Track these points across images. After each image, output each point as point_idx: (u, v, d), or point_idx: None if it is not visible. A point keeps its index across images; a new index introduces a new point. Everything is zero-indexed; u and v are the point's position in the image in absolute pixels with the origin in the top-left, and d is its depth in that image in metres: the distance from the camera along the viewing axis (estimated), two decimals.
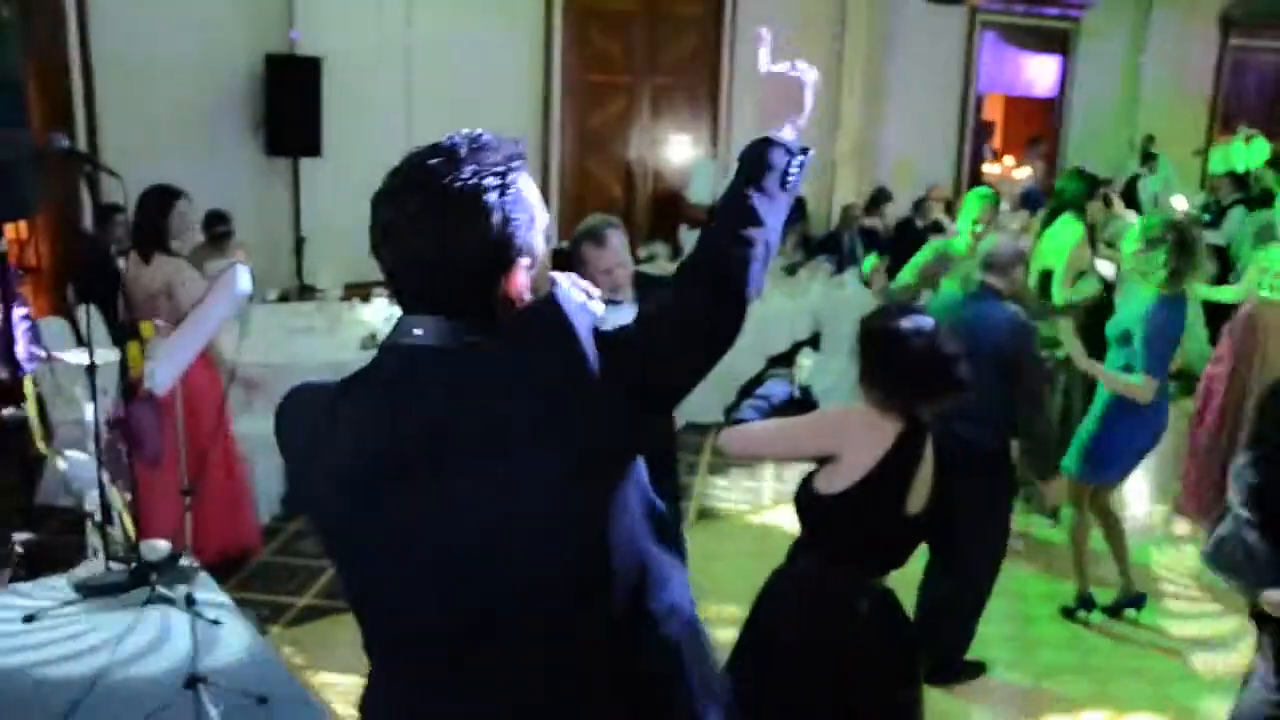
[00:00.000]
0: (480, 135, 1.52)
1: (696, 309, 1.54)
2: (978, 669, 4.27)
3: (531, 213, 1.53)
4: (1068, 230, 5.57)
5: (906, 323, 2.70)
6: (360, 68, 7.67)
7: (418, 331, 1.50)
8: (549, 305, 1.52)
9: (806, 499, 2.76)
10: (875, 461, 2.63)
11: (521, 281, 1.53)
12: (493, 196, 1.47)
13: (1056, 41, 12.14)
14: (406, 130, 7.77)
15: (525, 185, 1.53)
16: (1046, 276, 5.56)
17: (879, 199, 9.53)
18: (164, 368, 3.01)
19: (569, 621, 1.55)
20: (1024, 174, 9.57)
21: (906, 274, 5.31)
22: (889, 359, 2.68)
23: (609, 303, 1.73)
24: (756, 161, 1.63)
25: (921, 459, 2.69)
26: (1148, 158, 11.38)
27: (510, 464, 1.46)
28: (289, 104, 7.44)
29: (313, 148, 7.54)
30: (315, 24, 7.64)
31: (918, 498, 2.69)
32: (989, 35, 11.50)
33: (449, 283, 1.48)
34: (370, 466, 1.50)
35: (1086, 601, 4.69)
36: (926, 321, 2.71)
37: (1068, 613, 4.72)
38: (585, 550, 1.53)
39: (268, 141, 7.54)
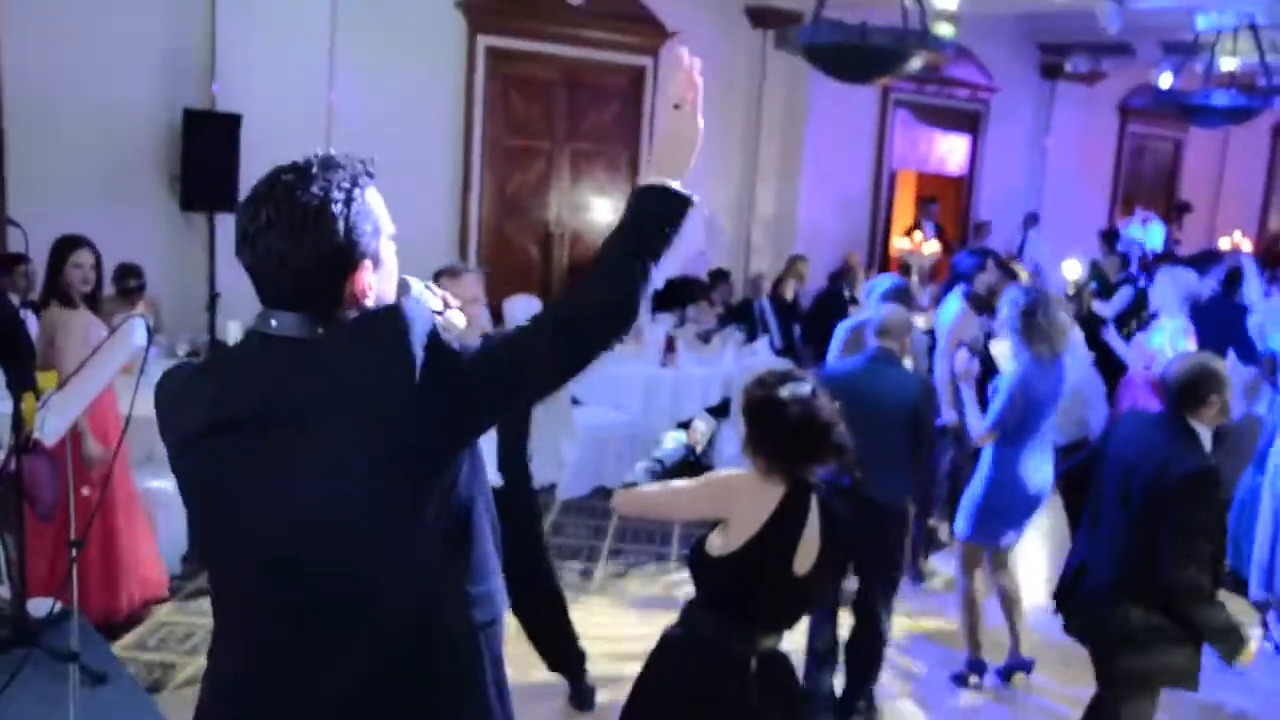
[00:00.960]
0: (331, 155, 1.71)
1: (538, 348, 1.68)
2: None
3: (375, 223, 1.72)
4: (953, 303, 5.88)
5: (784, 390, 2.79)
6: (280, 125, 7.67)
7: (273, 322, 1.69)
8: (389, 308, 1.71)
9: (698, 559, 2.84)
10: (760, 524, 2.71)
11: (365, 282, 1.70)
12: (336, 208, 1.65)
13: (966, 121, 12.61)
14: None
15: (371, 198, 1.72)
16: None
17: (793, 267, 9.74)
18: (54, 419, 2.99)
19: (372, 604, 1.68)
20: (932, 249, 9.87)
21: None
22: (769, 426, 2.78)
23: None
24: (650, 210, 1.79)
25: (806, 521, 2.77)
26: (1029, 223, 12.12)
27: (324, 446, 1.62)
28: (206, 159, 7.41)
29: (229, 203, 7.50)
30: (236, 80, 7.66)
31: (805, 558, 2.76)
32: (902, 113, 11.90)
33: (296, 282, 1.66)
34: (211, 432, 1.69)
35: (977, 666, 4.79)
36: (804, 388, 2.81)
37: (958, 678, 4.80)
38: (390, 538, 1.67)
39: (184, 196, 7.50)
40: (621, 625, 5.16)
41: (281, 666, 1.72)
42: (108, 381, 3.06)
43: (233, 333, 6.73)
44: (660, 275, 6.45)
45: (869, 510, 3.98)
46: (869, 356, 4.33)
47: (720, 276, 9.59)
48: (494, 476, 3.70)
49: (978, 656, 4.79)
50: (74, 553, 3.19)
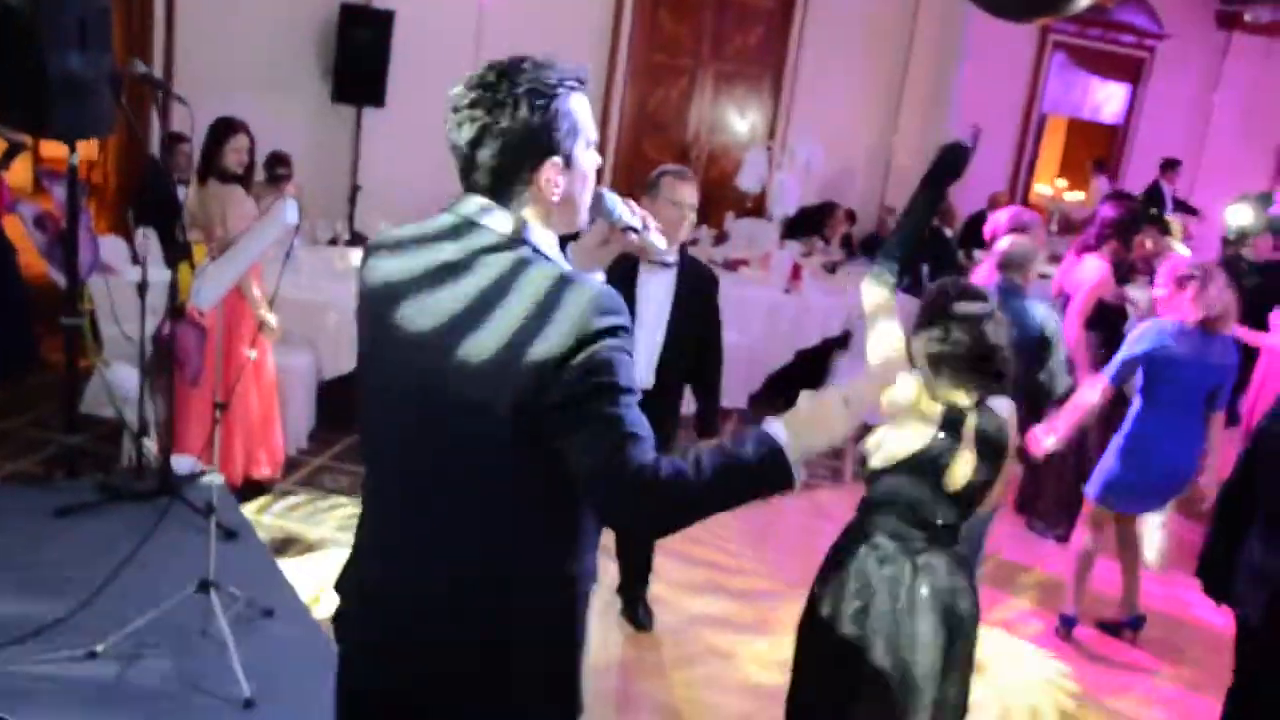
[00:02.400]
0: (548, 57, 1.77)
1: (612, 472, 1.65)
2: None
3: (575, 124, 1.77)
4: (1093, 260, 5.55)
5: (959, 307, 2.84)
6: (431, 25, 7.82)
7: (461, 206, 1.77)
8: (596, 287, 1.70)
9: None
10: (918, 445, 2.80)
11: (553, 178, 1.75)
12: (534, 98, 1.71)
13: (1128, 69, 12.07)
14: None
15: (576, 103, 1.78)
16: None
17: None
18: (209, 287, 3.19)
19: (490, 510, 1.75)
20: (1075, 198, 9.56)
21: None
22: (939, 337, 2.82)
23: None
24: (767, 477, 1.71)
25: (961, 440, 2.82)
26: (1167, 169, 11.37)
27: (465, 344, 1.69)
28: (359, 54, 7.62)
29: (377, 99, 7.72)
30: None
31: (960, 475, 2.82)
32: (1059, 56, 11.46)
33: (485, 162, 1.73)
34: (382, 295, 1.79)
35: (1069, 621, 4.75)
36: (978, 308, 2.85)
37: (1059, 631, 4.76)
38: (516, 467, 1.72)
39: (335, 89, 7.74)
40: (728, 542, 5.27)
41: (397, 541, 1.83)
42: (259, 255, 3.24)
43: (373, 225, 6.97)
44: (789, 204, 6.42)
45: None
46: (993, 288, 4.29)
47: (829, 210, 9.42)
48: (645, 376, 3.79)
49: (1073, 613, 4.75)
50: (218, 414, 3.42)
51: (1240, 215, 8.33)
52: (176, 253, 4.35)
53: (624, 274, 3.64)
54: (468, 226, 1.76)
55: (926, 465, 2.82)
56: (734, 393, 7.05)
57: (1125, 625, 4.79)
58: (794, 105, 9.89)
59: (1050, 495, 5.79)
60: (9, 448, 4.99)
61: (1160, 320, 4.41)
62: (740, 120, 9.81)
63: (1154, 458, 4.43)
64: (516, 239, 1.74)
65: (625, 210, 2.03)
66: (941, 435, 2.82)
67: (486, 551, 1.76)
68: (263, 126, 5.23)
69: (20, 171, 6.58)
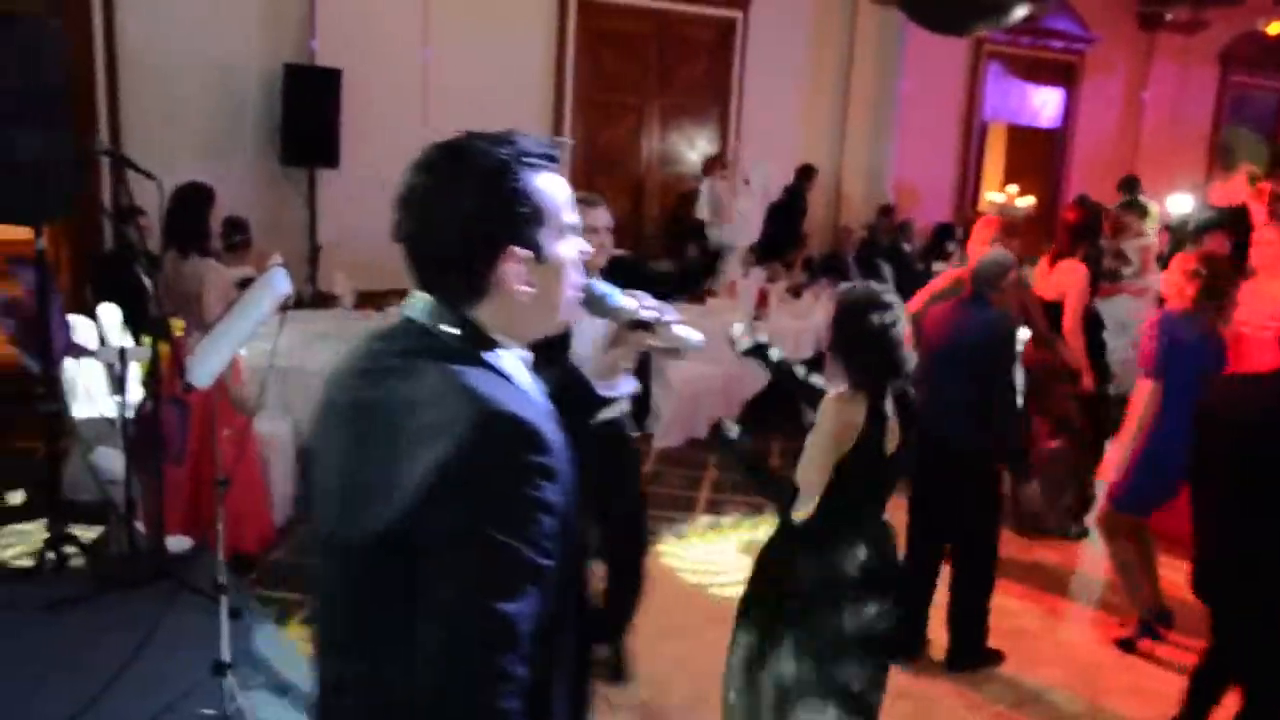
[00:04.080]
0: (514, 132, 1.54)
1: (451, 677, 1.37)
2: (997, 656, 4.42)
3: (541, 207, 1.51)
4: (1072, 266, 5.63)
5: (869, 309, 3.01)
6: (378, 81, 7.82)
7: (411, 302, 1.55)
8: (485, 401, 1.41)
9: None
10: (859, 434, 2.97)
11: (517, 274, 1.49)
12: (488, 178, 1.48)
13: (1060, 74, 12.34)
14: (421, 143, 7.88)
15: (543, 181, 1.52)
16: (1055, 307, 5.64)
17: (886, 216, 9.68)
18: (205, 363, 3.12)
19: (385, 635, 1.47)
20: (1026, 203, 9.72)
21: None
22: (851, 338, 3.01)
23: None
24: None
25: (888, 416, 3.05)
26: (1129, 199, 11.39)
27: (367, 462, 1.47)
28: (307, 114, 7.57)
29: (330, 158, 7.67)
30: (335, 36, 7.79)
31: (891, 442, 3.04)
32: (994, 65, 11.69)
33: (432, 256, 1.51)
34: (326, 405, 1.61)
35: (1149, 627, 4.70)
36: (887, 310, 3.02)
37: (1125, 644, 4.71)
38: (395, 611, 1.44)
39: (284, 151, 7.67)
40: (721, 558, 5.24)
41: (320, 655, 1.64)
42: (255, 327, 3.18)
43: (338, 284, 6.91)
44: (753, 230, 6.52)
45: (943, 456, 4.10)
46: (960, 297, 4.37)
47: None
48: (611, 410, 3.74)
49: (1149, 615, 4.70)
50: (221, 491, 3.34)
51: (1181, 205, 8.54)
52: (151, 330, 4.26)
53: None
54: (413, 328, 1.53)
55: None
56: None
57: (1154, 624, 4.72)
58: (744, 133, 9.98)
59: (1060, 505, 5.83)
60: None
61: (1170, 312, 4.47)
62: (691, 150, 9.87)
63: (1173, 456, 4.44)
64: (460, 347, 1.49)
65: (628, 302, 1.74)
66: None
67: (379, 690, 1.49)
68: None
69: None
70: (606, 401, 1.80)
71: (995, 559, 4.41)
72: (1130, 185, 11.02)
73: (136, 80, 7.22)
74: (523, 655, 1.37)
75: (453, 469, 1.36)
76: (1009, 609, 4.90)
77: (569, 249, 1.56)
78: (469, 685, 1.34)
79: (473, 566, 1.36)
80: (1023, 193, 10.23)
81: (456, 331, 1.50)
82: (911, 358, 3.07)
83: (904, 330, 3.05)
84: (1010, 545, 5.64)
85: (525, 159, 1.50)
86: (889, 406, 3.04)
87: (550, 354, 1.73)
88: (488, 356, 1.51)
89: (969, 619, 4.38)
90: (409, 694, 1.41)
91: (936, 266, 8.79)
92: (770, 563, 3.16)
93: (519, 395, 1.49)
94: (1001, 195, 9.94)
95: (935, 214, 10.76)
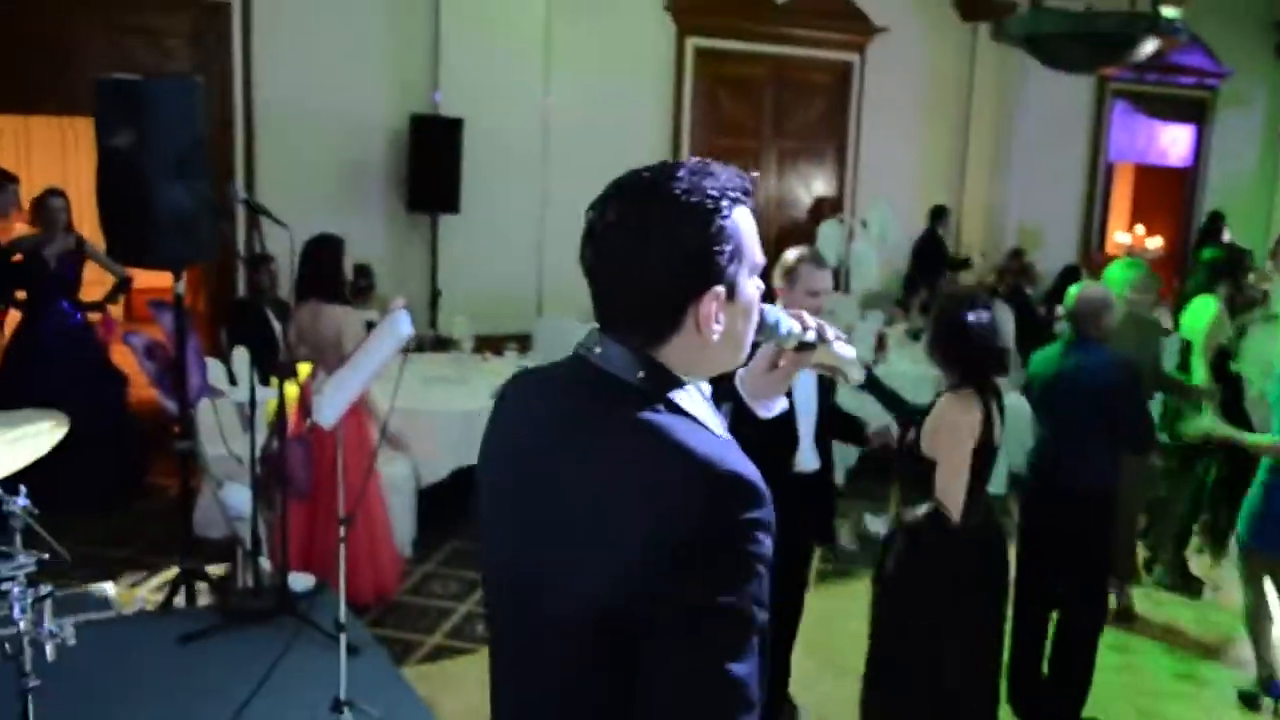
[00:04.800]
0: (709, 163, 1.45)
1: None
2: None
3: (741, 247, 1.42)
4: (1205, 304, 5.50)
5: (968, 313, 3.30)
6: (499, 129, 7.99)
7: (598, 350, 1.44)
8: (732, 469, 1.32)
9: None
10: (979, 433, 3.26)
11: (713, 311, 1.40)
12: (696, 215, 1.38)
13: (1191, 110, 11.94)
14: (542, 189, 8.10)
15: (740, 217, 1.43)
16: (1187, 348, 5.48)
17: (1016, 259, 9.47)
18: (331, 403, 3.21)
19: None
20: (1155, 244, 9.41)
21: None
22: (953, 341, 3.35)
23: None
24: None
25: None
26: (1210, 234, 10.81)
27: (573, 532, 1.39)
28: (430, 162, 7.78)
29: (452, 205, 7.85)
30: (457, 86, 7.99)
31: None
32: (1120, 104, 11.38)
33: (632, 294, 1.41)
34: (499, 452, 1.54)
35: (1271, 686, 4.50)
36: (984, 313, 3.31)
37: (1248, 700, 4.53)
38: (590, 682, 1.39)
39: (410, 198, 7.89)
40: None
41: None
42: (380, 368, 3.26)
43: (458, 327, 7.04)
44: (869, 273, 6.54)
45: (1061, 499, 4.01)
46: (1064, 340, 4.24)
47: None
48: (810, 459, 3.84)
49: (1270, 675, 4.51)
50: (343, 530, 3.41)
51: None
52: (279, 372, 4.40)
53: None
54: (589, 372, 1.44)
55: None
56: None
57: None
58: (859, 176, 9.91)
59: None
60: (128, 575, 5.04)
61: None
62: (807, 195, 9.84)
63: None
64: (645, 390, 1.40)
65: (793, 324, 1.65)
66: None
67: None
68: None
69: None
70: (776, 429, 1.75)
71: (1104, 612, 4.24)
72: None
73: (271, 132, 7.52)
74: (756, 715, 1.30)
75: (678, 537, 1.27)
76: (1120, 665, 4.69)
77: (755, 288, 1.47)
78: None
79: (705, 635, 1.28)
80: (1150, 233, 9.90)
81: (644, 375, 1.41)
82: (1006, 353, 3.32)
83: (1003, 326, 3.30)
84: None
85: (730, 193, 1.41)
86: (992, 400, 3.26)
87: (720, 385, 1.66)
88: (674, 397, 1.41)
89: (1075, 674, 4.19)
90: None
91: (1059, 309, 8.54)
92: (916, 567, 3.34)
93: (725, 446, 1.38)
94: (1129, 236, 9.64)
95: (1059, 257, 10.49)
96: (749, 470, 1.34)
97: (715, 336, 1.41)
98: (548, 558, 1.41)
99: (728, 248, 1.40)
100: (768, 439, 1.71)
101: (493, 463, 1.55)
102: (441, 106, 7.98)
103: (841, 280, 9.18)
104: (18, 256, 5.85)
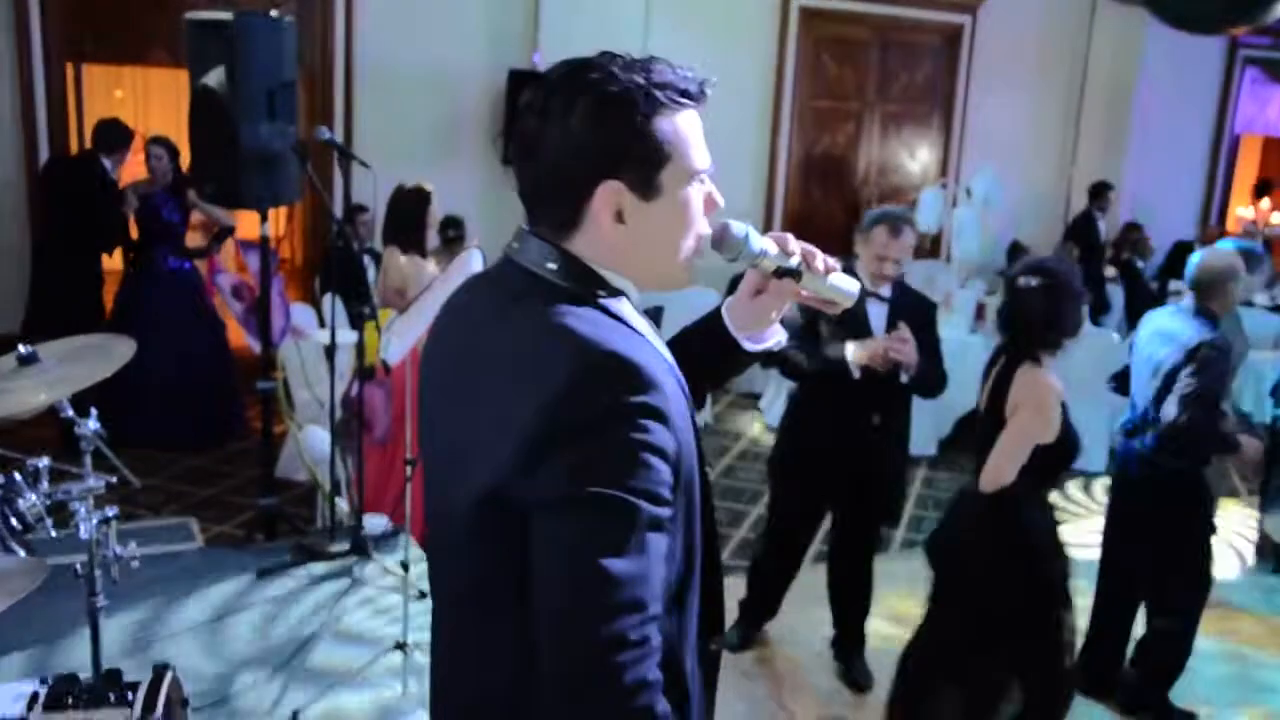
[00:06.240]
0: (655, 59, 1.39)
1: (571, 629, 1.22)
2: (1188, 718, 3.98)
3: (666, 145, 1.34)
4: None
5: (1025, 279, 3.14)
6: None
7: (516, 244, 1.41)
8: (599, 350, 1.26)
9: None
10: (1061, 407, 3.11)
11: (608, 206, 1.34)
12: (605, 105, 1.31)
13: None
14: None
15: (678, 118, 1.36)
16: None
17: (1133, 232, 9.03)
18: (397, 341, 3.20)
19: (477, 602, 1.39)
20: None
21: None
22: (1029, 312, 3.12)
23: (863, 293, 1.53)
24: None
25: None
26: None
27: (475, 421, 1.35)
28: None
29: None
30: (557, 45, 7.93)
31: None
32: (1251, 72, 10.80)
33: (533, 180, 1.37)
34: (432, 351, 1.52)
35: None
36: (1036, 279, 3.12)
37: None
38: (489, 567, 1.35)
39: (504, 154, 7.89)
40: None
41: (435, 646, 1.53)
42: None
43: None
44: (971, 241, 6.27)
45: (1155, 478, 3.74)
46: (1179, 306, 3.87)
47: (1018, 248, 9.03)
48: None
49: None
50: (409, 470, 3.41)
51: None
52: (362, 315, 4.42)
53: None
54: (510, 267, 1.41)
55: None
56: (923, 439, 6.76)
57: None
58: (965, 142, 9.59)
59: None
60: (212, 512, 5.14)
61: None
62: (910, 160, 9.57)
63: None
64: (558, 283, 1.35)
65: (767, 244, 1.50)
66: None
67: (489, 681, 1.38)
68: (436, 192, 5.34)
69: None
70: (752, 355, 1.63)
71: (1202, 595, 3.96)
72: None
73: (371, 84, 7.58)
74: (648, 618, 1.22)
75: (550, 420, 1.22)
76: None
77: (693, 195, 1.39)
78: (589, 657, 1.20)
79: (578, 525, 1.21)
80: (1277, 208, 9.39)
81: (555, 266, 1.35)
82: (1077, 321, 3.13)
83: (1067, 291, 3.09)
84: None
85: (657, 94, 1.33)
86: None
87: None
88: (597, 294, 1.35)
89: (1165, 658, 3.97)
90: (513, 673, 1.32)
91: (1174, 285, 8.18)
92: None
93: (625, 334, 1.33)
94: (1251, 210, 9.15)
95: (1176, 231, 10.03)
96: (635, 353, 1.28)
97: (615, 236, 1.35)
98: (455, 448, 1.39)
99: (641, 144, 1.33)
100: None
101: (428, 362, 1.53)
102: (541, 65, 7.95)
103: (944, 248, 8.93)
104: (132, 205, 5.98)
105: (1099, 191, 8.97)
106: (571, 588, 1.22)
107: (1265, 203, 9.21)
